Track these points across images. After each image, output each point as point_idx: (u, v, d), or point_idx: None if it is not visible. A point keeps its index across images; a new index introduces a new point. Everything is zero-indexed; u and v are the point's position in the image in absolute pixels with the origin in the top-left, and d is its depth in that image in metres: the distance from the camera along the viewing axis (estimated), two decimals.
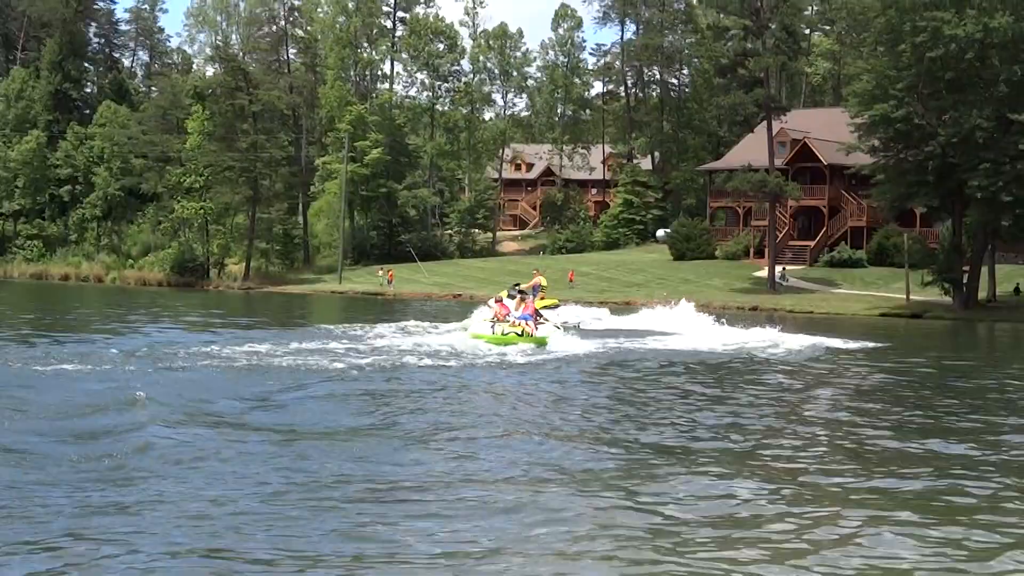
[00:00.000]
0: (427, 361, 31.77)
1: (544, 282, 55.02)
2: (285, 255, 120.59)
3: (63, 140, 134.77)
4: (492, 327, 39.23)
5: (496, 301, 42.21)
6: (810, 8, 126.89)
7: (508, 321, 39.42)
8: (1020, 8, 72.65)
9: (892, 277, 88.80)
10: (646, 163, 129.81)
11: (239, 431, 18.91)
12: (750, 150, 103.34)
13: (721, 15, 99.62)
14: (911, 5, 74.39)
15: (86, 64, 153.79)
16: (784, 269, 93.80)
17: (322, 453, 17.10)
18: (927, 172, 75.76)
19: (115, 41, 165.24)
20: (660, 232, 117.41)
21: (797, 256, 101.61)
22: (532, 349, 36.84)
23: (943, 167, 75.04)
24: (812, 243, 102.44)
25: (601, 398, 25.65)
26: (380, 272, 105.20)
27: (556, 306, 52.49)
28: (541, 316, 41.37)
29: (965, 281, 78.47)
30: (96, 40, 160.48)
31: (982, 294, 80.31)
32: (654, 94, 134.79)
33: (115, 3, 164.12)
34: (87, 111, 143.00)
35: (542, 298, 50.58)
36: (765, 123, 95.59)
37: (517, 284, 49.93)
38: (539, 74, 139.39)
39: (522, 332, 38.50)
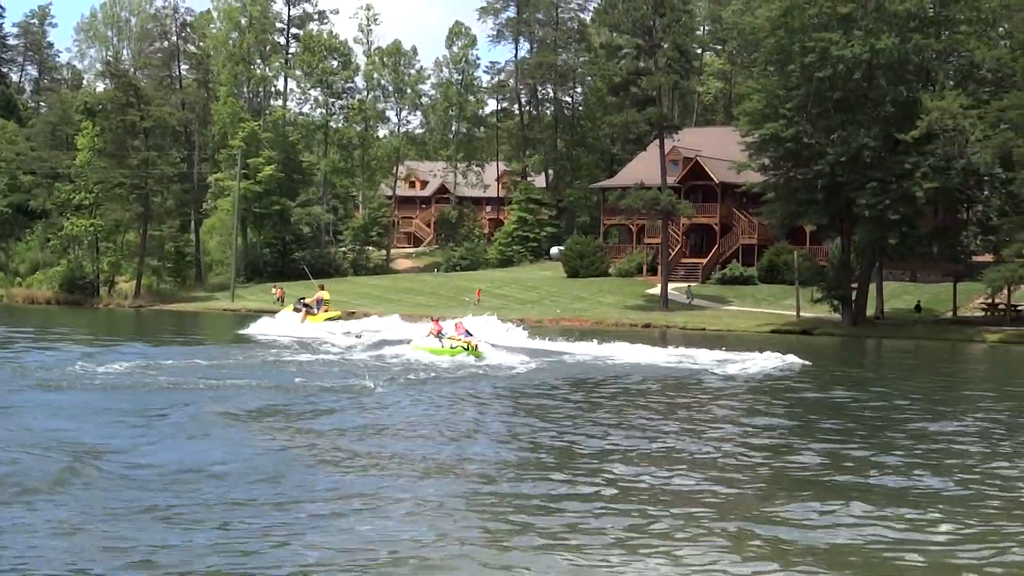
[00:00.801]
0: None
1: (327, 296, 64.71)
2: (177, 273, 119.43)
3: None
4: (441, 342, 43.84)
5: (434, 320, 47.36)
6: (702, 28, 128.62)
7: (446, 336, 44.23)
8: (905, 30, 73.91)
9: (783, 294, 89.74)
10: (540, 181, 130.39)
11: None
12: (643, 168, 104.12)
13: (614, 34, 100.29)
14: (800, 26, 75.42)
15: None
16: (690, 287, 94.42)
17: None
18: (816, 191, 76.83)
19: (3, 55, 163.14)
20: (554, 249, 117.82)
21: (689, 273, 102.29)
22: (473, 360, 41.78)
23: (832, 186, 76.10)
24: (704, 260, 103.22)
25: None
26: (273, 290, 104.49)
27: (338, 318, 62.74)
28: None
29: (854, 298, 79.59)
30: None
31: (870, 311, 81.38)
32: (548, 112, 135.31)
33: (3, 17, 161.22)
34: None
35: (326, 310, 62.55)
36: (658, 141, 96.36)
37: (303, 299, 63.33)
38: (433, 91, 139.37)
39: (468, 346, 43.05)
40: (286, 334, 57.45)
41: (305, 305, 62.45)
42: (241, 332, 59.81)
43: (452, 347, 43.19)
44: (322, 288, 66.87)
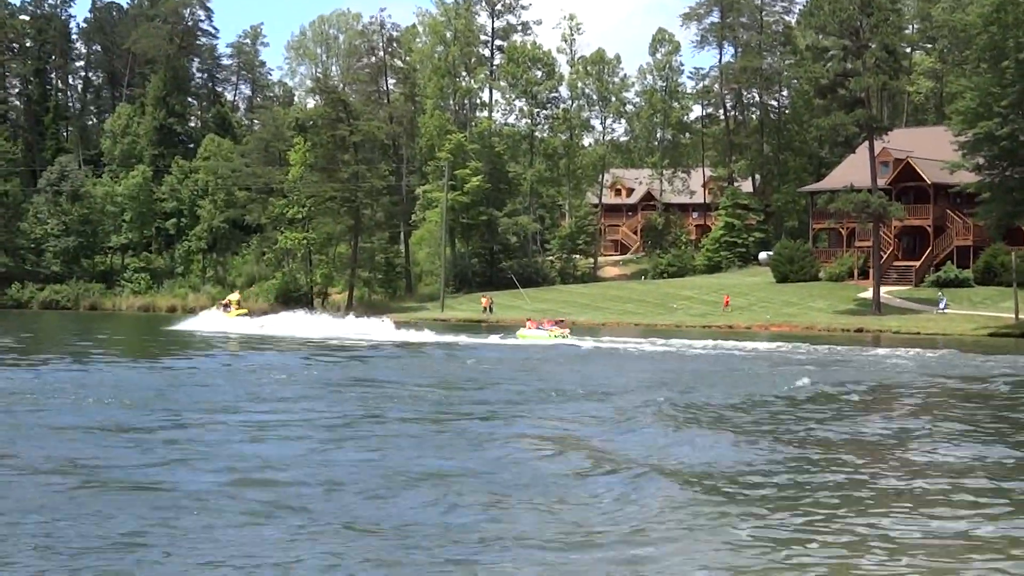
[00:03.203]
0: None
1: (237, 298, 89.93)
2: (387, 284, 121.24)
3: (168, 174, 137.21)
4: (546, 332, 67.70)
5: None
6: (911, 27, 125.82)
7: (547, 330, 68.26)
8: None
9: (1000, 296, 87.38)
10: (747, 186, 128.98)
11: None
12: (852, 170, 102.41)
13: (820, 36, 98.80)
14: (1014, 21, 73.60)
15: (190, 99, 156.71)
16: (941, 293, 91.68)
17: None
18: None
19: (218, 76, 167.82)
20: (762, 255, 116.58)
21: (902, 276, 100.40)
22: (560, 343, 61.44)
23: None
24: (917, 263, 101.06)
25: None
26: (482, 299, 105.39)
27: (247, 314, 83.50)
28: None
29: None
30: (199, 75, 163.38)
31: None
32: (754, 116, 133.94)
33: (217, 39, 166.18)
34: (191, 145, 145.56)
35: (239, 305, 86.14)
36: (867, 143, 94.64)
37: (224, 301, 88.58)
38: (638, 99, 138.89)
39: (562, 334, 66.79)
40: (211, 328, 76.12)
41: (224, 306, 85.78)
42: (174, 328, 76.66)
43: (554, 335, 65.89)
44: (233, 292, 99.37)
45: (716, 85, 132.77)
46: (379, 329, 71.65)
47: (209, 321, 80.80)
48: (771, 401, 30.75)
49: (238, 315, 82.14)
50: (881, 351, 54.27)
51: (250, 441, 21.83)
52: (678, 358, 49.38)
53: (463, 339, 65.53)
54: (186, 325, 79.10)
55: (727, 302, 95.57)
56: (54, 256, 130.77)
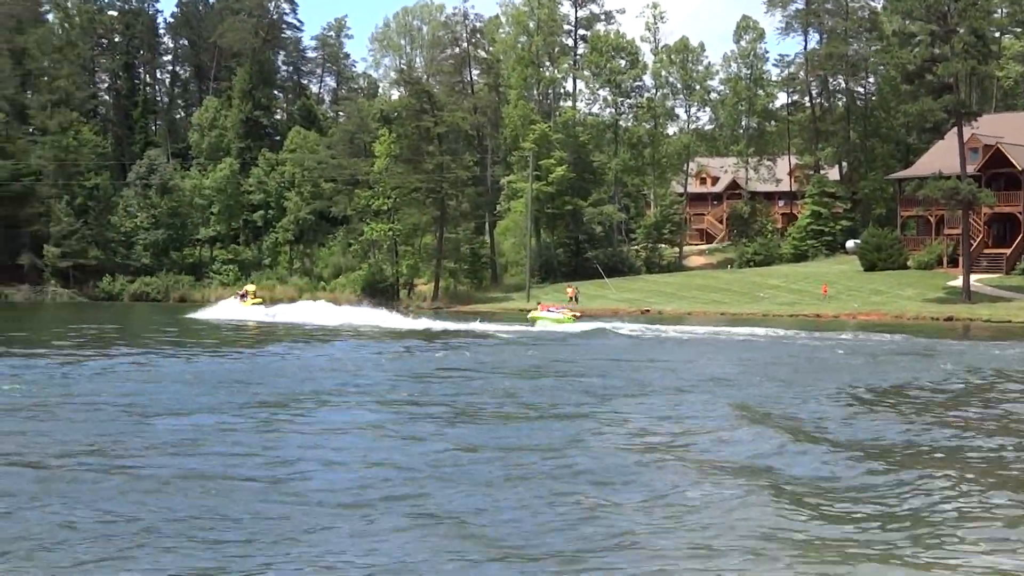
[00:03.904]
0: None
1: (253, 288, 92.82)
2: (473, 274, 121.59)
3: (255, 167, 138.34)
4: (558, 314, 70.22)
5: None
6: (999, 11, 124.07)
7: (557, 312, 71.50)
8: None
9: None
10: (833, 173, 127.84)
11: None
12: (941, 157, 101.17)
13: (907, 21, 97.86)
14: None
15: (275, 92, 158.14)
16: None
17: None
18: None
19: (303, 68, 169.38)
20: (850, 243, 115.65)
21: (993, 264, 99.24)
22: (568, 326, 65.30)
23: None
24: (1008, 251, 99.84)
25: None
26: (568, 289, 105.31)
27: (261, 303, 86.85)
28: None
29: None
30: (285, 68, 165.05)
31: None
32: (840, 103, 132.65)
33: (302, 31, 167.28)
34: (277, 137, 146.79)
35: (254, 295, 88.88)
36: (955, 129, 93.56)
37: (241, 292, 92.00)
38: (722, 87, 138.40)
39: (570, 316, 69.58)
40: (228, 317, 79.09)
41: (241, 296, 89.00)
42: (196, 316, 79.62)
43: (567, 317, 68.81)
44: (251, 283, 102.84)
45: (801, 72, 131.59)
46: (386, 318, 74.18)
47: (226, 310, 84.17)
48: None
49: (253, 304, 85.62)
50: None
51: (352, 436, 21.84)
52: (853, 350, 47.67)
53: (476, 326, 67.61)
54: (205, 314, 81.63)
55: (825, 290, 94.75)
56: (144, 249, 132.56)
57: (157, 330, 64.02)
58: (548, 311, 72.20)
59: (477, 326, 67.01)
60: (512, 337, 57.02)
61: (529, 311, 77.97)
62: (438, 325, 68.58)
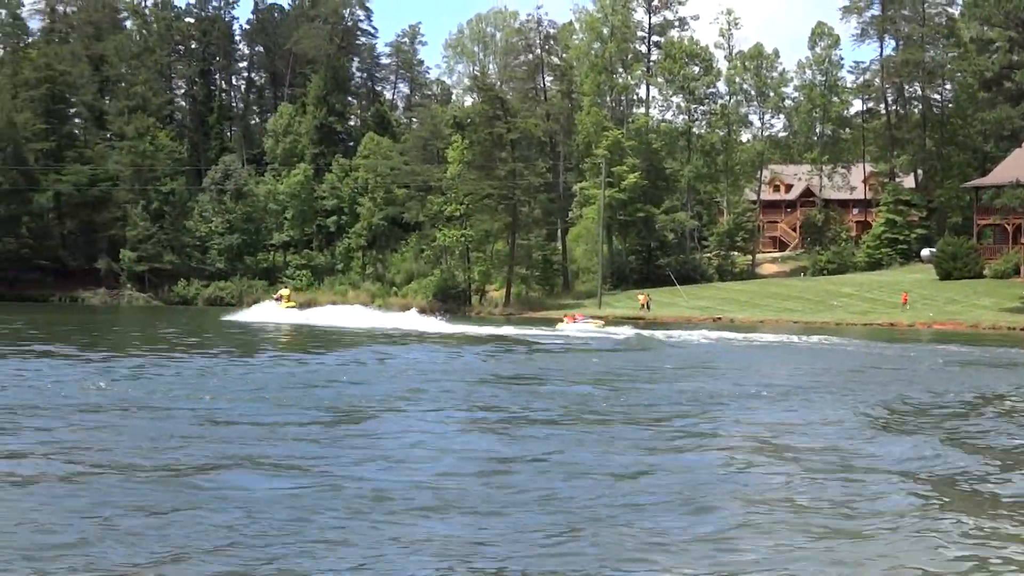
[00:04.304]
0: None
1: (287, 292, 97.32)
2: (545, 281, 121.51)
3: (329, 172, 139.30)
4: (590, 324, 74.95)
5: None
6: None
7: (582, 322, 75.90)
8: None
9: None
10: (909, 181, 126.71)
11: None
12: (1018, 165, 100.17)
13: (985, 27, 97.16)
14: None
15: (349, 98, 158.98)
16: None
17: None
18: None
19: (377, 75, 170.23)
20: (925, 251, 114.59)
21: None
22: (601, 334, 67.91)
23: None
24: None
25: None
26: (639, 296, 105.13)
27: (294, 307, 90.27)
28: None
29: None
30: (359, 74, 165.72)
31: None
32: (915, 110, 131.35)
33: (376, 38, 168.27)
34: (351, 143, 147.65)
35: (289, 299, 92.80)
36: None
37: (276, 296, 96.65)
38: (796, 94, 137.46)
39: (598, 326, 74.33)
40: (264, 319, 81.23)
41: (277, 299, 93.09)
42: (230, 319, 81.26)
43: (598, 326, 73.61)
44: (286, 287, 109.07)
45: (877, 79, 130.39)
46: (411, 321, 75.91)
47: (263, 313, 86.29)
48: None
49: (288, 307, 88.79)
50: None
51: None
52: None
53: (509, 331, 69.54)
54: (242, 316, 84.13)
55: (905, 299, 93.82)
56: (218, 253, 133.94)
57: (226, 333, 64.41)
58: (573, 322, 75.61)
59: (510, 331, 69.37)
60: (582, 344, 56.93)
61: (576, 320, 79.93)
62: (483, 330, 69.88)
